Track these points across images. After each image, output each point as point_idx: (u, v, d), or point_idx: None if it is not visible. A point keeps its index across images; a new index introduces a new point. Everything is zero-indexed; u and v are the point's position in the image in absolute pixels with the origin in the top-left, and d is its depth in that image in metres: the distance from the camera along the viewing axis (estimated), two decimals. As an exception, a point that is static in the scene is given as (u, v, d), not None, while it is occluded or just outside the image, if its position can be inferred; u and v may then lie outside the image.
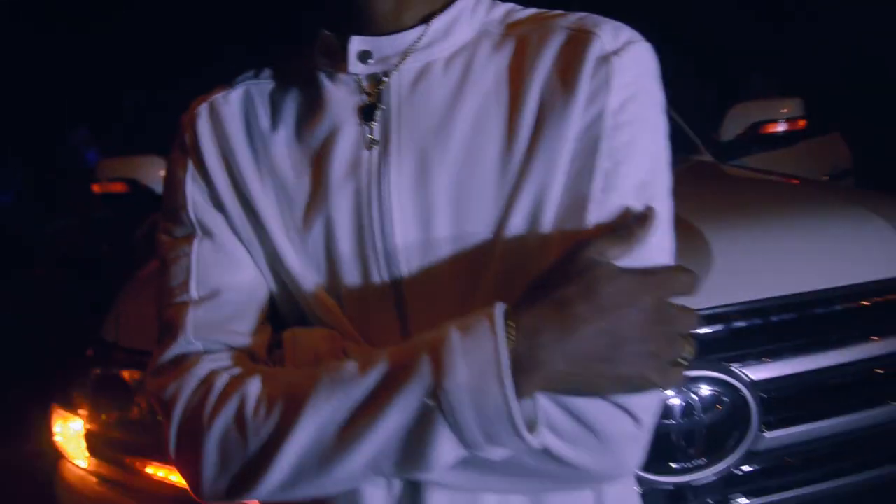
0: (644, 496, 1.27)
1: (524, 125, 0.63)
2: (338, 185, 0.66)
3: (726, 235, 1.41)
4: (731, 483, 1.31)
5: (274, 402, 0.59)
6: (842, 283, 1.36)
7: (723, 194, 1.89)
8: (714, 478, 1.27)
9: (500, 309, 0.55)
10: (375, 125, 0.66)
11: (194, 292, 0.67)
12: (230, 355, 0.65)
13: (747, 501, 1.32)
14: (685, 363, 0.56)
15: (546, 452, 0.57)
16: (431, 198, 0.64)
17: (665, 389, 0.58)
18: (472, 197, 0.63)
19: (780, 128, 2.50)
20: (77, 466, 1.54)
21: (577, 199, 0.61)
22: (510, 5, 0.73)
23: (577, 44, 0.65)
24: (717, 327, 1.28)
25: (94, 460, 1.52)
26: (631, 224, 0.59)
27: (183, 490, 1.39)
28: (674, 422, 1.23)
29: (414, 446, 0.55)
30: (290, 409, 0.58)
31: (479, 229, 0.63)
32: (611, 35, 0.65)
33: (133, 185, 2.53)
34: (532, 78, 0.64)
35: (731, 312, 1.29)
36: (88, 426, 1.53)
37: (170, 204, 0.72)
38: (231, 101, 0.73)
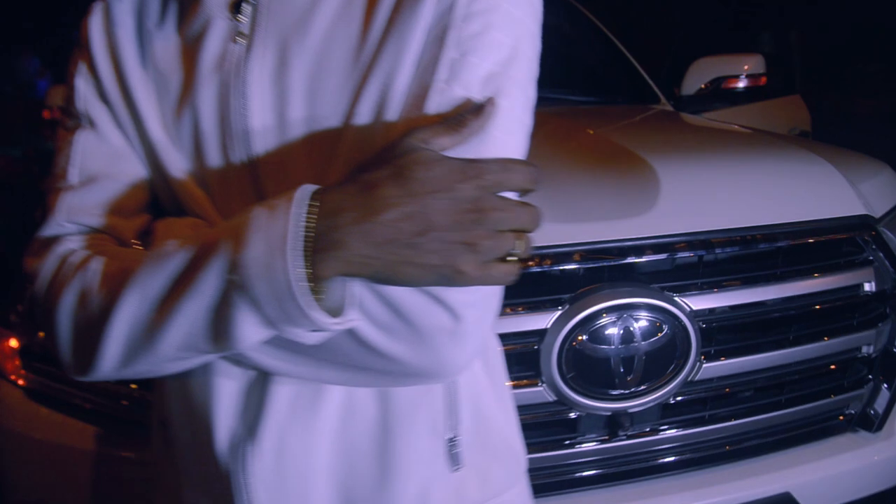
0: (580, 420, 1.29)
1: (379, 19, 0.64)
2: (205, 76, 0.68)
3: (675, 168, 1.42)
4: (666, 412, 1.34)
5: (111, 278, 0.62)
6: (786, 220, 1.37)
7: (677, 136, 1.90)
8: (651, 405, 1.29)
9: (305, 189, 0.55)
10: (244, 20, 0.68)
11: (72, 178, 0.71)
12: (94, 237, 0.69)
13: (682, 432, 1.34)
14: (513, 259, 0.55)
15: (362, 342, 0.58)
16: (288, 85, 0.65)
17: (485, 284, 0.55)
18: (326, 84, 0.64)
19: (742, 84, 2.52)
20: (12, 385, 1.51)
21: (422, 89, 0.60)
22: None
23: None
24: (661, 256, 1.28)
25: (30, 377, 1.48)
26: (464, 114, 0.57)
27: (119, 405, 1.38)
28: (613, 347, 1.24)
29: (221, 322, 0.56)
30: (120, 283, 0.60)
31: (330, 115, 0.64)
32: None
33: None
34: None
35: (675, 242, 1.29)
36: (24, 343, 1.49)
37: (65, 98, 0.76)
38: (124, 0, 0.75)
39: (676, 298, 1.27)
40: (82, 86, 0.73)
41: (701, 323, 1.29)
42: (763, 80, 2.51)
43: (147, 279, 0.58)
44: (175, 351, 0.59)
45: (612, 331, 1.24)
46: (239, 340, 0.56)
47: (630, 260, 1.27)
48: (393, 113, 0.61)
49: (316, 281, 0.53)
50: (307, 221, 0.53)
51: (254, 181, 0.67)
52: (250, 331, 0.56)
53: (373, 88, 0.62)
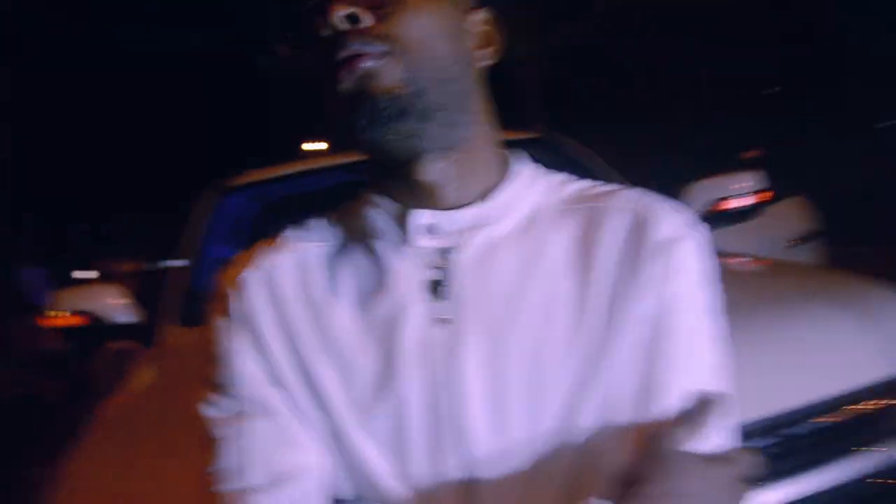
0: None
1: (594, 303, 0.64)
2: (408, 364, 0.64)
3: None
4: None
5: None
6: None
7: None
8: None
9: None
10: (446, 302, 0.65)
11: (254, 478, 0.63)
12: None
13: None
14: None
15: None
16: (506, 389, 0.63)
17: None
18: (545, 387, 0.62)
19: (744, 202, 2.44)
20: None
21: (649, 384, 0.62)
22: (561, 176, 0.74)
23: (642, 227, 0.67)
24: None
25: None
26: (699, 408, 0.61)
27: None
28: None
29: None
30: None
31: (553, 425, 0.62)
32: (671, 221, 0.67)
33: (91, 317, 2.40)
34: (598, 258, 0.66)
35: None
36: None
37: (219, 377, 0.68)
38: (283, 265, 0.70)
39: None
40: (248, 366, 0.67)
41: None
42: (767, 195, 2.45)
43: None
44: None
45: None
46: None
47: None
48: (623, 413, 0.62)
49: None
50: None
51: (467, 491, 0.62)
52: None
53: (597, 386, 0.62)
